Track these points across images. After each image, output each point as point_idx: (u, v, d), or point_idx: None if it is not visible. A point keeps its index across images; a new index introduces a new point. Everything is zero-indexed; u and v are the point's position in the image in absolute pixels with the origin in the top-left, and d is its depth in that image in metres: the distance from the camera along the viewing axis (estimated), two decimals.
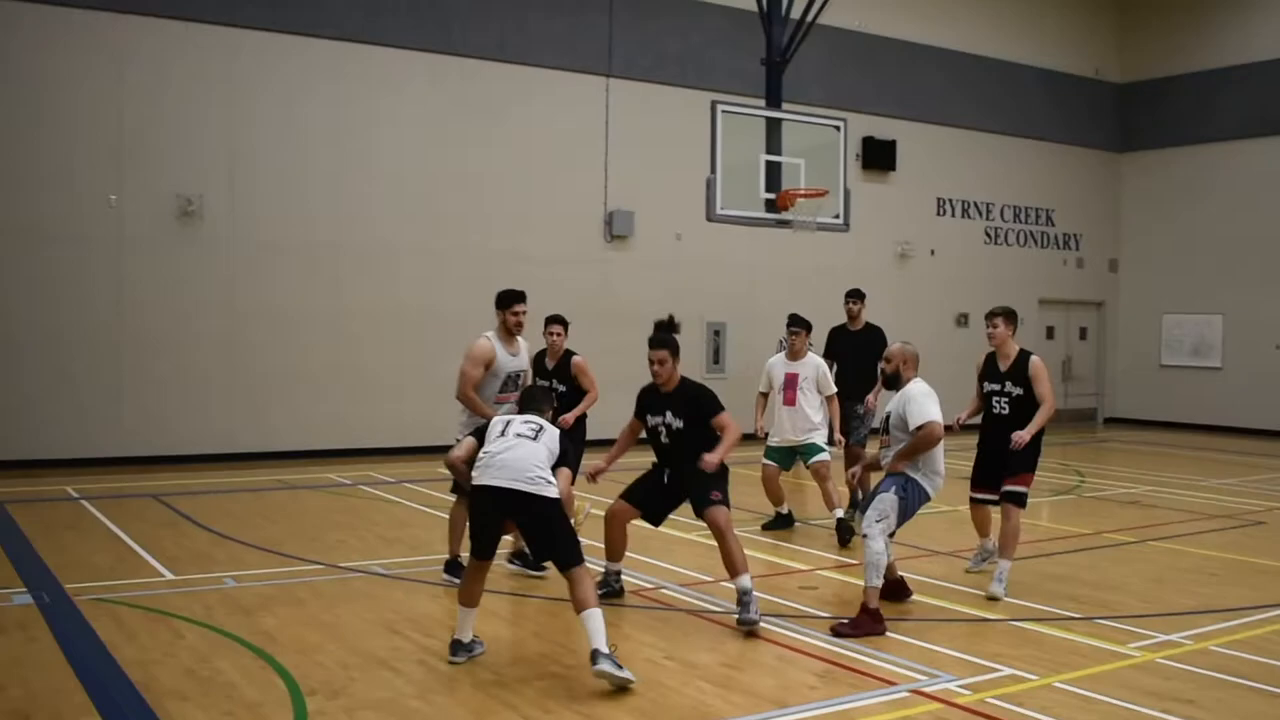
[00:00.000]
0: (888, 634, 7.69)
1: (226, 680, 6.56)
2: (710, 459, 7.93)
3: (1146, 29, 25.94)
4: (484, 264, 17.78)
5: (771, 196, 14.37)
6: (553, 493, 6.85)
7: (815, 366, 11.57)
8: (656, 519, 8.56)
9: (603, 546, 8.63)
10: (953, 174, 23.72)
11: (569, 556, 6.86)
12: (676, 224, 19.52)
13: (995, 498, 9.40)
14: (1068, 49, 25.35)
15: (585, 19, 19.24)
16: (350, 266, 17.33)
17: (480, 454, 7.01)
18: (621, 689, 6.46)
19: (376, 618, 7.99)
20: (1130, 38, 26.18)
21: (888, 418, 8.43)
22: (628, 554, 8.80)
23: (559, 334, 10.36)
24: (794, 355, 11.63)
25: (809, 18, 15.75)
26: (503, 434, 7.02)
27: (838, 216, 14.85)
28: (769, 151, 14.49)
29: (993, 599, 8.77)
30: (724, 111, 14.01)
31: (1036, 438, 9.17)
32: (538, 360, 10.23)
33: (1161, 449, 20.69)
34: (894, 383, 8.51)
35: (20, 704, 6.13)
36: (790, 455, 11.72)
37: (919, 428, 8.06)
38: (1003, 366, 9.33)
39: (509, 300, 9.24)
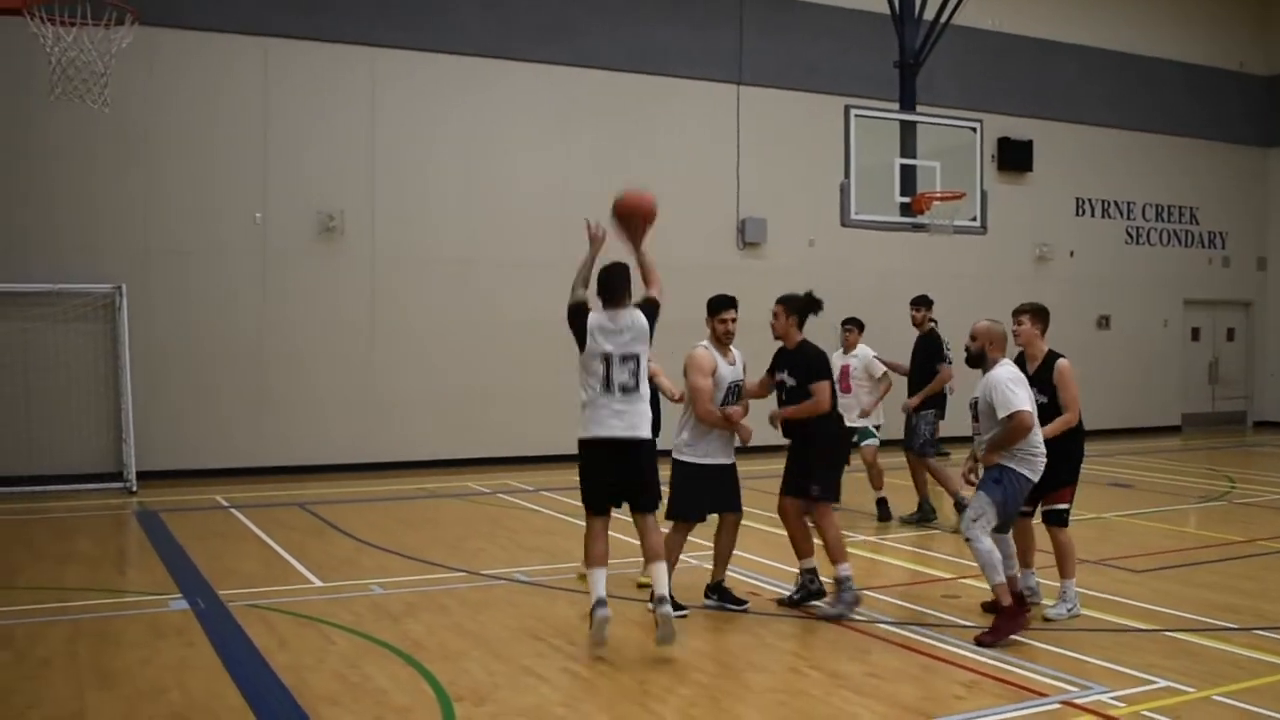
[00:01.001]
0: (1036, 644, 7.52)
1: (376, 686, 6.68)
2: (777, 413, 8.70)
3: None
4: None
5: (907, 200, 14.22)
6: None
7: (863, 356, 12.97)
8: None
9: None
10: (1091, 173, 23.19)
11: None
12: (810, 230, 19.41)
13: (1031, 510, 8.40)
14: (1209, 41, 24.63)
15: (715, 27, 19.24)
16: (486, 280, 17.56)
17: None
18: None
19: (519, 625, 8.07)
20: (1276, 29, 25.34)
21: (975, 402, 8.09)
22: (763, 561, 8.78)
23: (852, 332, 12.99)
24: (847, 348, 13.04)
25: (942, 19, 15.54)
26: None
27: (975, 219, 14.62)
28: (903, 155, 14.32)
29: (1049, 620, 8.18)
30: (857, 116, 13.91)
31: (1072, 449, 8.32)
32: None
33: None
34: (978, 362, 8.06)
35: (179, 707, 6.32)
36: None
37: (1008, 417, 7.71)
38: (1030, 369, 8.43)
39: (720, 306, 8.71)
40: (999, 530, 7.96)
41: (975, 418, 8.14)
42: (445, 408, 17.25)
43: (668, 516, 8.22)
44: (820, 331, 14.00)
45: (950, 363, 12.35)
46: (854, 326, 13.18)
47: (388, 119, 17.08)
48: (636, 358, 7.65)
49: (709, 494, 8.40)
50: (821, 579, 8.68)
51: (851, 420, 12.25)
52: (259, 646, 7.47)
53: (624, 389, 7.55)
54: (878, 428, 13.04)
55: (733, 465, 8.49)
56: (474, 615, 8.36)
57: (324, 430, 16.60)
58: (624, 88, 18.60)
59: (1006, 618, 7.63)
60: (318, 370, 16.55)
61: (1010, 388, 7.79)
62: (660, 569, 7.44)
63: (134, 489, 14.58)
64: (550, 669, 7.05)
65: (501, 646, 7.51)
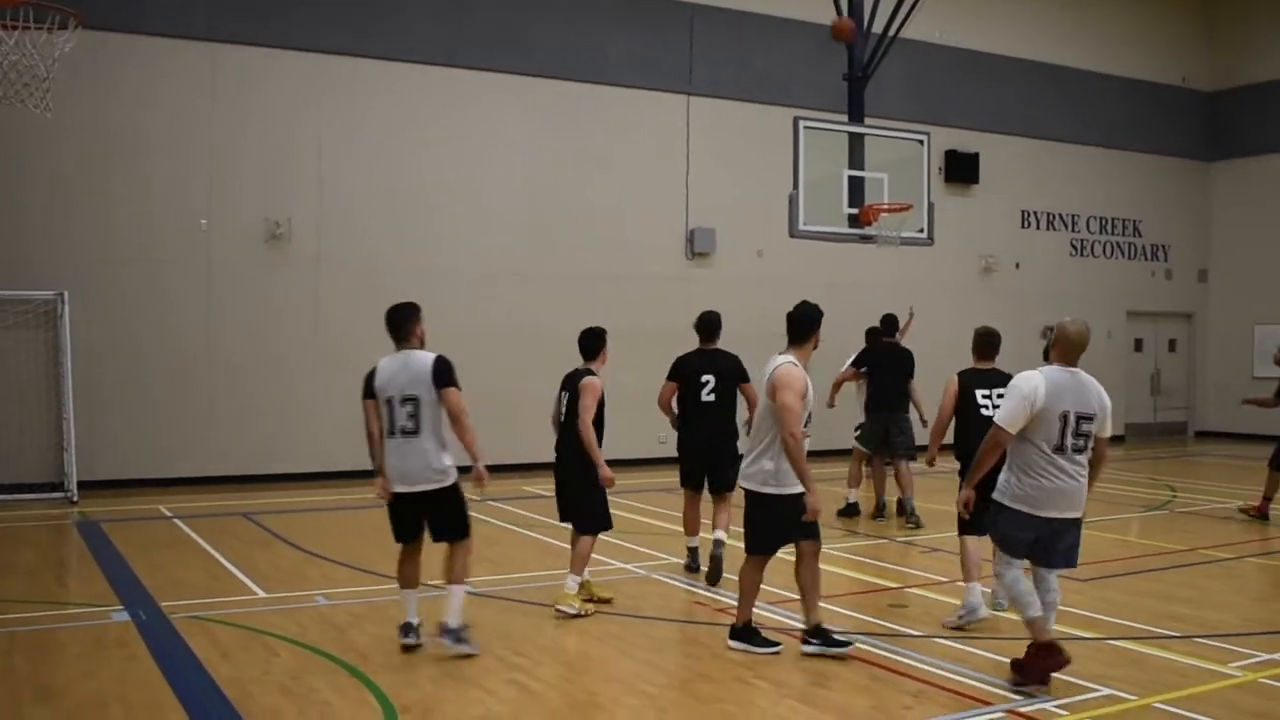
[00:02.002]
0: (982, 653, 7.57)
1: (320, 698, 6.62)
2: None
3: (1234, 35, 25.49)
4: (565, 283, 17.93)
5: (855, 212, 14.29)
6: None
7: None
8: None
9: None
10: (1037, 186, 23.44)
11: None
12: (758, 241, 19.47)
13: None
14: (1154, 58, 24.97)
15: (665, 38, 19.29)
16: (431, 288, 17.40)
17: None
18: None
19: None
20: (1218, 45, 25.73)
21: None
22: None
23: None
24: None
25: (891, 32, 15.64)
26: None
27: (921, 230, 14.73)
28: (851, 167, 14.40)
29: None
30: (806, 127, 13.97)
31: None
32: None
33: (1255, 463, 20.15)
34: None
35: None
36: None
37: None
38: None
39: (818, 320, 8.02)
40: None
41: None
42: None
43: (753, 551, 7.69)
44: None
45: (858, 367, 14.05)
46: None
47: (336, 126, 16.98)
48: (416, 399, 7.80)
49: (793, 524, 7.55)
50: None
51: None
52: (201, 659, 7.39)
53: (404, 431, 7.74)
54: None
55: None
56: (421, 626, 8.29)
57: (270, 440, 16.45)
58: (574, 97, 18.60)
59: (1037, 655, 6.89)
60: (263, 379, 16.40)
61: (1007, 396, 7.08)
62: (456, 594, 7.60)
63: (75, 499, 14.39)
64: (497, 681, 7.01)
65: (448, 658, 7.46)
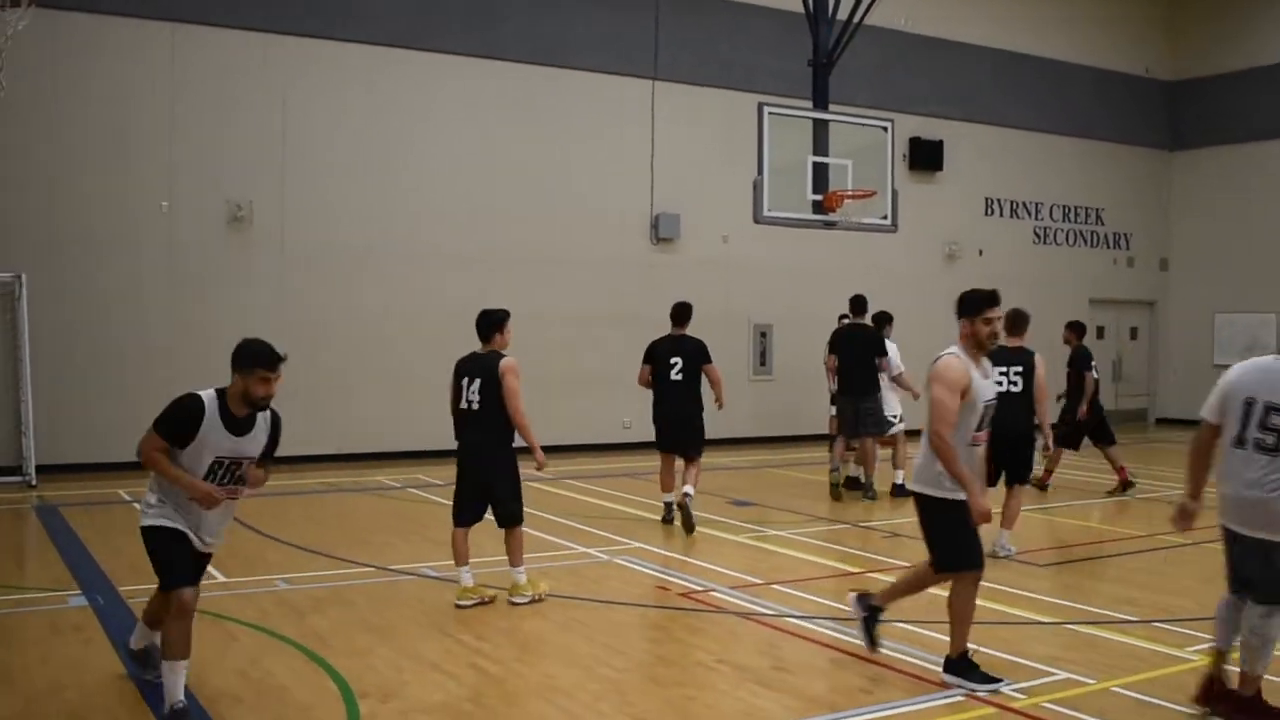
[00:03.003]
0: (942, 637, 7.59)
1: (279, 683, 6.59)
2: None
3: (1197, 26, 25.64)
4: (530, 266, 17.88)
5: (819, 198, 14.33)
6: None
7: (894, 349, 13.81)
8: None
9: None
10: (1001, 174, 23.54)
11: None
12: (723, 226, 19.47)
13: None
14: (1117, 47, 25.11)
15: (631, 23, 19.23)
16: (396, 271, 17.40)
17: None
18: None
19: (428, 620, 8.00)
20: (1181, 35, 25.89)
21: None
22: (679, 557, 8.78)
23: None
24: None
25: (856, 19, 15.67)
26: None
27: (885, 217, 14.78)
28: (816, 153, 14.43)
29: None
30: (770, 113, 13.97)
31: None
32: None
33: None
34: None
35: (76, 706, 6.18)
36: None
37: None
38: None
39: (982, 303, 6.75)
40: None
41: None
42: (355, 401, 17.06)
43: (941, 568, 6.76)
44: (816, 347, 14.16)
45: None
46: (887, 321, 14.19)
47: (299, 108, 16.84)
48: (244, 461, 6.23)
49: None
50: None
51: (891, 408, 13.77)
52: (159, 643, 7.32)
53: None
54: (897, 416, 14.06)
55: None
56: (381, 611, 8.27)
57: None
58: (539, 81, 18.52)
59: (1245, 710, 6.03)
60: (224, 361, 16.20)
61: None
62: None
63: (34, 483, 14.26)
64: (458, 665, 6.99)
65: (408, 642, 7.44)
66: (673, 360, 11.67)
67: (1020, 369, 10.40)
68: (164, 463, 6.03)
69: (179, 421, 6.05)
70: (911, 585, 7.20)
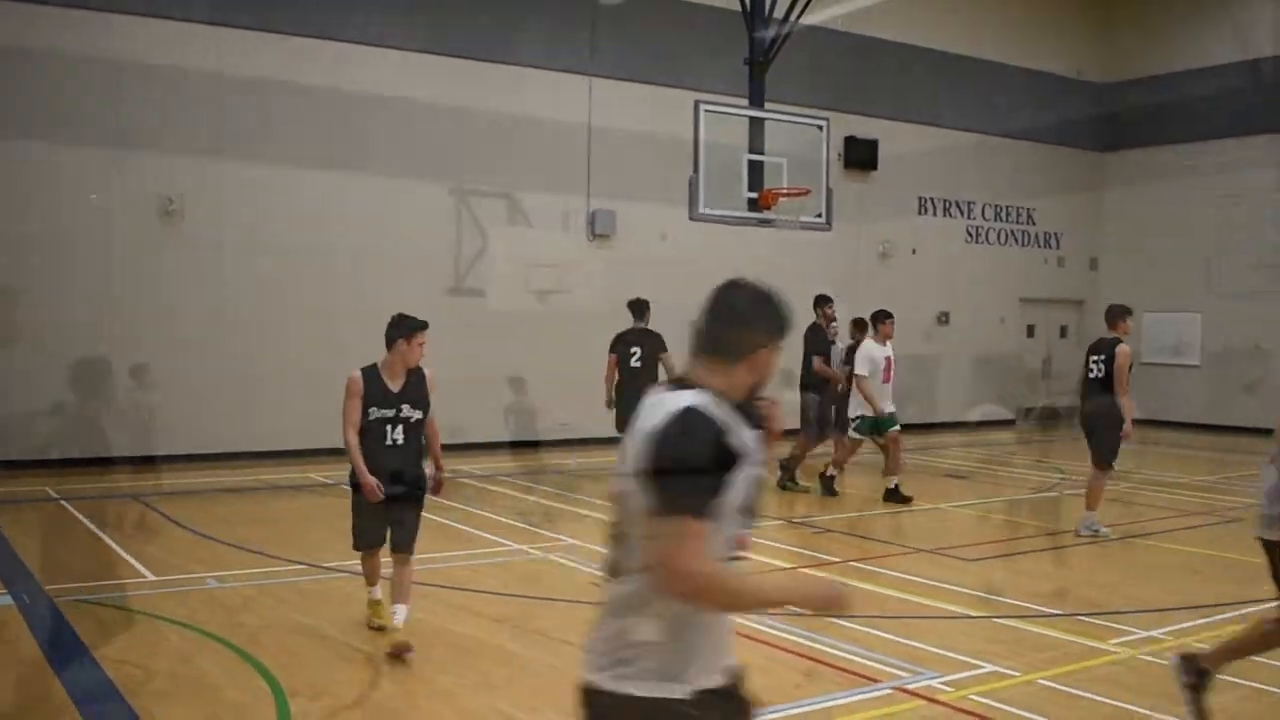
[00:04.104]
0: (874, 632, 7.69)
1: (210, 681, 6.55)
2: None
3: (1128, 29, 26.00)
4: (464, 264, 17.81)
5: (754, 196, 14.42)
6: None
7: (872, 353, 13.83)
8: None
9: None
10: (934, 173, 23.75)
11: None
12: (659, 223, 19.48)
13: None
14: (1050, 49, 25.39)
15: (568, 19, 19.19)
16: (334, 267, 17.25)
17: None
18: None
19: (359, 618, 7.96)
20: (1112, 38, 26.24)
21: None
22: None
23: None
24: (885, 340, 13.70)
25: (793, 18, 15.77)
26: None
27: (820, 215, 14.90)
28: (751, 151, 14.52)
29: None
30: (706, 111, 14.03)
31: None
32: None
33: (1142, 446, 20.70)
34: None
35: (1, 707, 6.10)
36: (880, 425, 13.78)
37: None
38: None
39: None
40: None
41: None
42: (290, 397, 16.88)
43: None
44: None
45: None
46: (888, 318, 13.89)
47: (234, 101, 16.64)
48: None
49: None
50: None
51: (887, 408, 13.70)
52: (87, 642, 7.25)
53: None
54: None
55: None
56: (312, 608, 8.24)
57: (162, 419, 16.08)
58: (475, 76, 18.44)
59: None
60: (157, 356, 16.02)
61: None
62: None
63: None
64: (389, 663, 6.96)
65: (340, 640, 7.41)
66: (633, 350, 13.52)
67: (1102, 357, 11.59)
68: None
69: None
70: (1256, 644, 6.12)
